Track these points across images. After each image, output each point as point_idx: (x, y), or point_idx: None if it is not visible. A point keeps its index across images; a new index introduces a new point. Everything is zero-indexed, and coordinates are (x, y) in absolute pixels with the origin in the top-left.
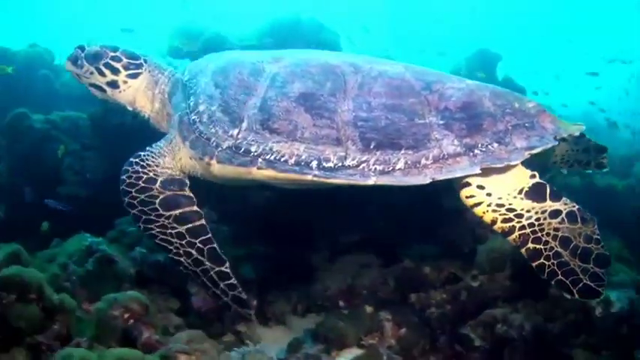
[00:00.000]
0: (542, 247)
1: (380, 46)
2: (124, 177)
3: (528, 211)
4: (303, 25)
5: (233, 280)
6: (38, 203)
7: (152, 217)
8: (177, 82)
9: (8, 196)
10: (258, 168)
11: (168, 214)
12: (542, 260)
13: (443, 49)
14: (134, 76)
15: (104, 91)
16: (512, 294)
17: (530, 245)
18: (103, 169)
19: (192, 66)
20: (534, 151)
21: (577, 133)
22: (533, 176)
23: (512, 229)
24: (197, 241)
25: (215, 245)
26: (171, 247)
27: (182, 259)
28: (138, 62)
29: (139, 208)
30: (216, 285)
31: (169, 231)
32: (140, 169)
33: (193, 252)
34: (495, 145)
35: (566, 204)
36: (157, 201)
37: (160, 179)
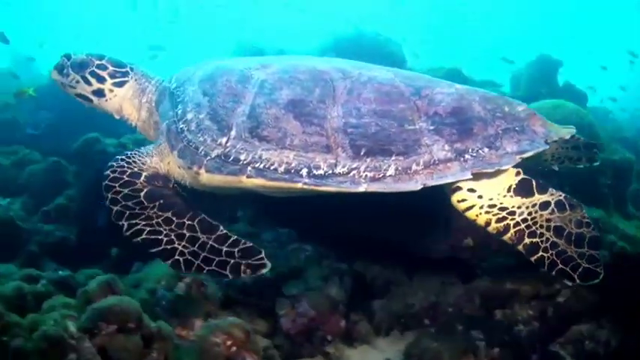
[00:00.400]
0: (538, 240)
1: (441, 56)
2: (107, 172)
3: (519, 207)
4: (367, 39)
5: (234, 237)
6: (110, 228)
7: (137, 211)
8: (165, 90)
9: (80, 221)
10: (248, 177)
11: (152, 204)
12: (540, 253)
13: (505, 55)
14: (120, 84)
15: (90, 100)
16: (595, 308)
17: (527, 240)
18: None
19: (179, 74)
20: (525, 156)
21: (568, 137)
22: (518, 173)
23: (507, 228)
24: (185, 219)
25: (204, 216)
26: (161, 237)
27: (176, 244)
28: (124, 70)
29: (123, 203)
30: (219, 253)
31: (155, 220)
32: (125, 165)
33: (185, 231)
34: (486, 149)
35: (552, 194)
36: (142, 194)
37: (144, 174)
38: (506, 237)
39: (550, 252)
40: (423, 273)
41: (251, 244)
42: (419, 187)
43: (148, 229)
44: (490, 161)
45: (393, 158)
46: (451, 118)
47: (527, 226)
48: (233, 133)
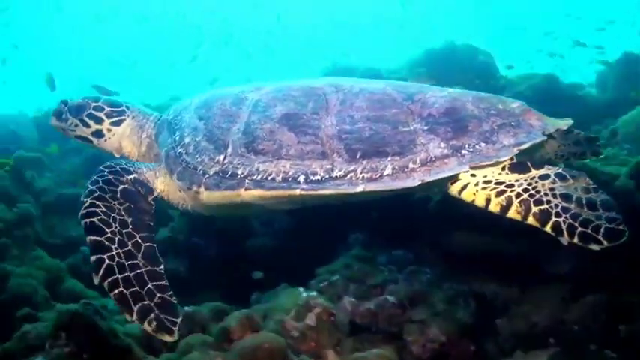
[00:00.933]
0: (546, 206)
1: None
2: (106, 162)
3: (517, 181)
4: (458, 52)
5: (165, 282)
6: (222, 258)
7: (106, 197)
8: (163, 122)
9: (189, 251)
10: (246, 189)
11: (122, 201)
12: (554, 219)
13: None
14: (117, 123)
15: (91, 142)
16: None
17: (535, 209)
18: (289, 219)
19: (176, 105)
20: (523, 147)
21: (565, 128)
22: (511, 159)
23: (509, 201)
24: (137, 235)
25: (154, 245)
26: (107, 231)
27: (113, 246)
28: (120, 109)
29: (100, 185)
30: (142, 284)
31: (114, 215)
32: (124, 162)
33: (129, 244)
34: (483, 144)
35: (549, 169)
36: (120, 187)
37: (134, 175)
38: (511, 212)
39: (564, 216)
40: (540, 289)
41: (175, 301)
42: (417, 183)
43: (103, 216)
44: (488, 154)
45: (390, 159)
46: (445, 117)
47: (531, 195)
48: (229, 150)
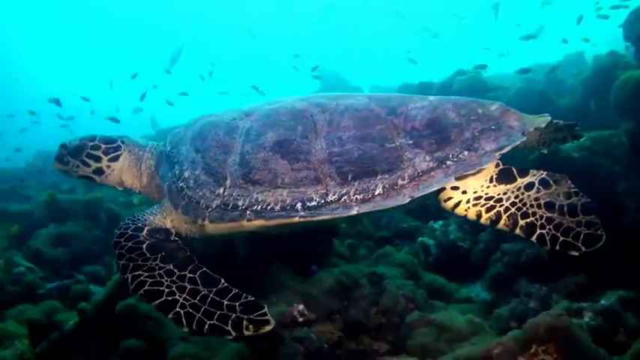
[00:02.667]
0: (532, 219)
1: None
2: (116, 230)
3: (505, 194)
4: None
5: (235, 291)
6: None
7: (139, 262)
8: (162, 154)
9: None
10: (248, 220)
11: (154, 256)
12: (539, 231)
13: None
14: (115, 158)
15: (93, 179)
16: None
17: (522, 222)
18: None
19: (171, 137)
20: (504, 151)
21: (543, 125)
22: (497, 165)
23: (498, 215)
24: (186, 271)
25: (205, 269)
26: (162, 289)
27: (177, 296)
28: (115, 145)
29: (127, 255)
30: (220, 306)
31: (157, 272)
32: (130, 222)
33: (186, 284)
34: (466, 153)
35: (534, 175)
36: (144, 246)
37: (147, 228)
38: (500, 224)
39: (547, 227)
40: None
41: (252, 299)
42: (407, 200)
43: (150, 280)
44: (471, 163)
45: (379, 177)
46: (428, 129)
47: (518, 209)
48: (228, 182)
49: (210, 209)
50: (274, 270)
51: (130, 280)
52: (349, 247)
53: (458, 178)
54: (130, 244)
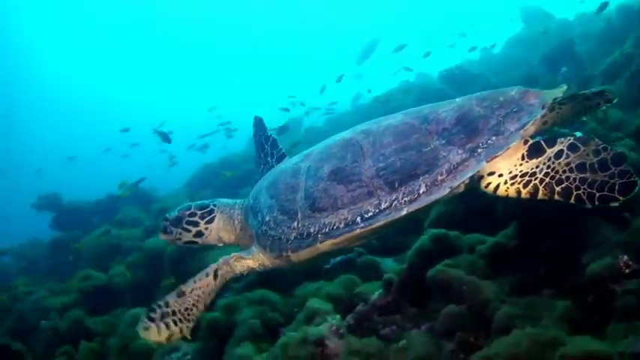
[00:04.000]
0: (567, 183)
1: None
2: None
3: (538, 167)
4: None
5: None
6: None
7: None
8: (247, 208)
9: None
10: (321, 242)
11: None
12: (575, 192)
13: None
14: (210, 221)
15: (196, 242)
16: None
17: (558, 188)
18: None
19: (253, 192)
20: (527, 127)
21: (560, 94)
22: (526, 142)
23: (536, 188)
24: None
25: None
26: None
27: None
28: (209, 209)
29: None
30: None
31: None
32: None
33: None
34: (494, 138)
35: (562, 142)
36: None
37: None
38: (540, 196)
39: (583, 187)
40: None
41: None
42: (447, 191)
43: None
44: (499, 145)
45: (421, 179)
46: (457, 126)
47: (552, 177)
48: (299, 215)
49: (289, 241)
50: None
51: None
52: None
53: (490, 162)
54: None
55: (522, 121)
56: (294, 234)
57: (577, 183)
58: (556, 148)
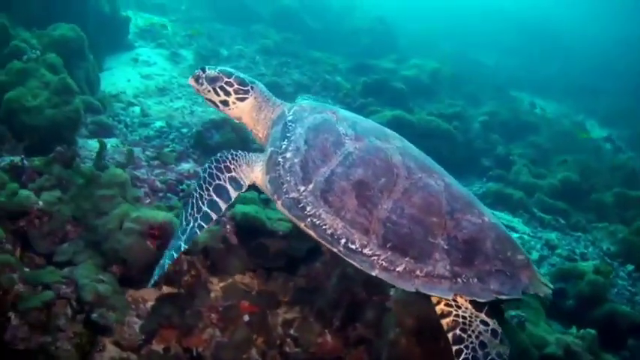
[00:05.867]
0: (465, 336)
1: None
2: (212, 158)
3: (467, 309)
4: None
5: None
6: None
7: (204, 187)
8: (282, 117)
9: None
10: (305, 226)
11: (212, 194)
12: (461, 346)
13: None
14: (242, 99)
15: (217, 106)
16: None
17: (458, 332)
18: None
19: (297, 108)
20: (501, 297)
21: (542, 295)
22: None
23: (449, 314)
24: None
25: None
26: (196, 195)
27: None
28: (246, 89)
29: (202, 176)
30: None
31: (202, 200)
32: (230, 158)
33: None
34: (475, 280)
35: (494, 322)
36: (214, 183)
37: (232, 174)
38: (444, 320)
39: (470, 352)
40: None
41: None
42: (412, 289)
43: (195, 194)
44: (472, 291)
45: (407, 259)
46: (464, 245)
47: (464, 323)
48: (311, 186)
49: (286, 196)
50: None
51: (191, 193)
52: None
53: (455, 297)
54: (213, 171)
55: (503, 288)
56: (294, 195)
57: (470, 345)
58: (487, 320)
